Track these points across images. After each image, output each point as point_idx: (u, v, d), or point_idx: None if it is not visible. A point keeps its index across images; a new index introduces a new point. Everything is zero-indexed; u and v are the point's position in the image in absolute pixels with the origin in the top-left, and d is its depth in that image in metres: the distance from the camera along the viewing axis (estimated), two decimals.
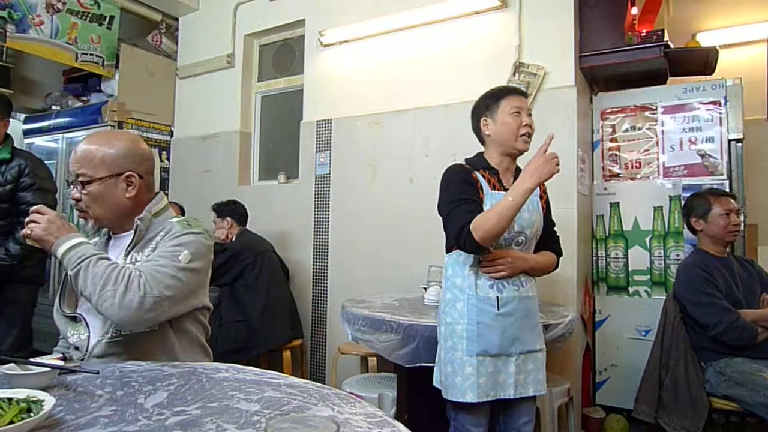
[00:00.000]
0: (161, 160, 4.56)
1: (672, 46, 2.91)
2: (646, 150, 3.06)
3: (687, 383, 2.31)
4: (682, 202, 2.88)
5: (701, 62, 3.10)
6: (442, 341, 1.76)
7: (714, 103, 2.90)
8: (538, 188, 1.83)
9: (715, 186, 2.77)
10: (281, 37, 4.21)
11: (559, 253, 1.88)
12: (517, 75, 2.97)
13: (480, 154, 1.87)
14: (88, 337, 1.38)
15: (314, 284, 3.68)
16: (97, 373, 1.14)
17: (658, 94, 3.05)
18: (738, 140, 2.85)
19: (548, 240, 1.86)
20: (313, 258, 3.70)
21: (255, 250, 3.30)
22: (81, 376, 1.14)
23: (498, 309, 1.69)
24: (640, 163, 3.08)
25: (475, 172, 1.78)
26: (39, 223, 1.35)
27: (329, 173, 3.66)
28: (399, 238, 3.33)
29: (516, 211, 1.61)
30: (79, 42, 4.00)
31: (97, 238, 1.55)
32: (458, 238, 1.65)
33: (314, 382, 1.14)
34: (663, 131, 3.02)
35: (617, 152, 3.14)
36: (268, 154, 4.30)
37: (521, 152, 1.81)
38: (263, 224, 3.76)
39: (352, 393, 2.47)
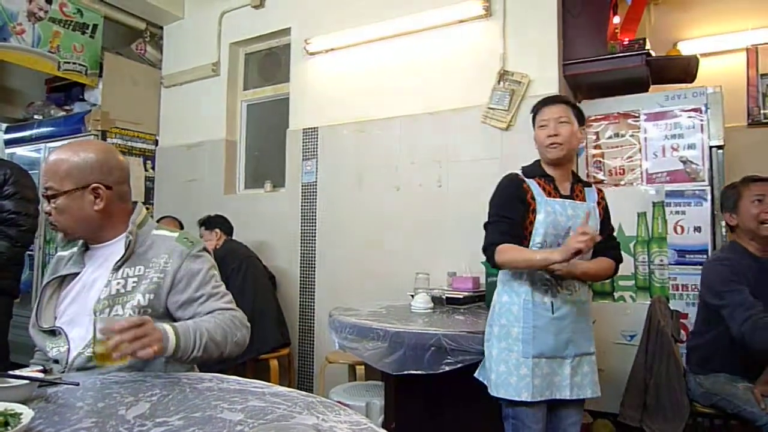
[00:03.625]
0: (146, 170, 4.52)
1: (654, 54, 2.96)
2: (630, 157, 3.09)
3: (669, 388, 2.32)
4: (665, 208, 2.92)
5: (682, 70, 3.15)
6: (495, 341, 1.82)
7: (695, 110, 2.94)
8: (596, 195, 1.92)
9: (697, 192, 2.80)
10: (267, 46, 4.21)
11: (617, 259, 1.89)
12: (501, 83, 3.00)
13: (537, 161, 1.94)
14: (68, 349, 1.36)
15: (301, 293, 3.66)
16: (78, 384, 1.12)
17: (641, 102, 3.09)
18: (719, 147, 2.89)
19: (605, 246, 1.86)
20: (300, 266, 3.68)
21: (239, 255, 3.29)
22: (62, 388, 1.12)
23: (553, 313, 1.77)
24: (623, 169, 3.11)
25: (529, 180, 1.85)
26: (156, 342, 1.18)
27: (316, 181, 3.66)
28: (386, 246, 3.32)
29: (536, 269, 1.74)
30: (62, 51, 3.97)
31: (72, 249, 1.51)
32: (485, 251, 1.81)
33: (299, 391, 1.13)
34: (646, 138, 3.05)
35: (601, 159, 3.17)
36: (254, 163, 4.29)
37: (551, 161, 1.86)
38: (250, 233, 3.74)
39: (339, 402, 2.46)
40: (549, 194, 1.83)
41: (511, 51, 3.02)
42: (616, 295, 3.09)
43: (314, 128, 3.69)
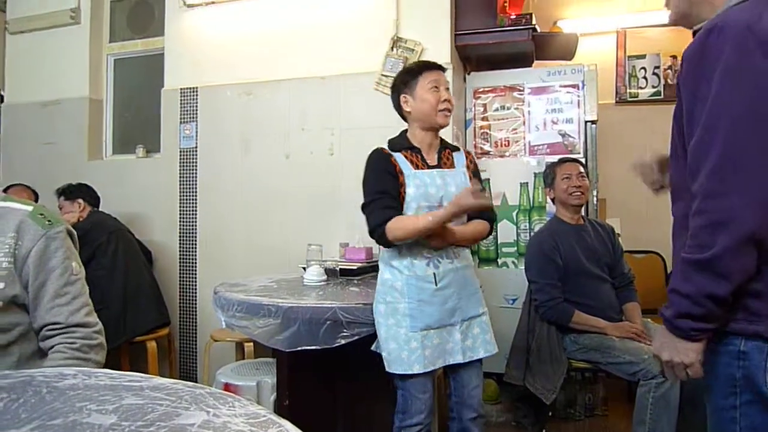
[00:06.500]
0: None
1: (539, 30, 3.06)
2: (514, 129, 3.21)
3: (549, 347, 2.48)
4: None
5: (563, 48, 3.30)
6: (383, 319, 1.80)
7: (573, 86, 3.11)
8: (465, 158, 1.92)
9: None
10: None
11: (490, 219, 1.89)
12: (395, 49, 2.94)
13: (403, 133, 1.89)
14: None
15: (181, 269, 3.40)
16: None
17: (525, 76, 3.20)
18: (593, 122, 3.10)
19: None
20: (180, 240, 3.40)
21: (107, 228, 2.96)
22: None
23: (436, 285, 1.76)
24: (508, 141, 3.23)
25: (396, 154, 1.80)
26: None
27: (196, 147, 3.37)
28: (275, 217, 3.17)
29: (430, 231, 1.70)
30: None
31: None
32: (372, 234, 1.76)
33: (184, 382, 0.99)
34: (529, 111, 3.18)
35: (488, 131, 3.26)
36: (123, 125, 3.85)
37: (441, 127, 1.84)
38: (120, 204, 3.38)
39: (227, 384, 2.31)
40: (416, 167, 1.80)
41: (404, 17, 2.96)
42: (500, 261, 3.23)
43: (193, 88, 3.37)
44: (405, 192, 1.76)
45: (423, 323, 1.75)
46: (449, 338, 1.79)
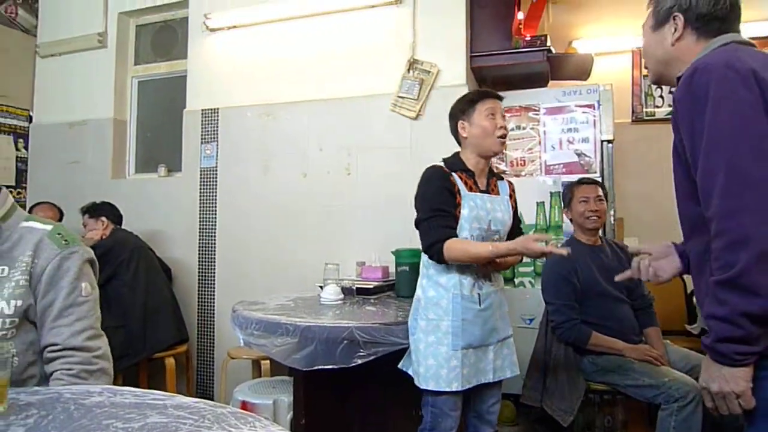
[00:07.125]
0: (17, 149, 4.02)
1: (554, 51, 3.09)
2: (530, 149, 3.22)
3: (566, 369, 2.46)
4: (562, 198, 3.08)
5: (578, 68, 3.32)
6: (422, 335, 1.82)
7: (589, 106, 3.12)
8: (508, 187, 1.98)
9: None
10: (162, 18, 3.88)
11: None
12: (411, 71, 2.99)
13: (456, 155, 1.93)
14: None
15: (200, 286, 3.45)
16: None
17: (540, 96, 3.21)
18: (609, 141, 3.10)
19: (516, 236, 1.90)
20: (199, 258, 3.46)
21: (129, 245, 3.02)
22: None
23: (480, 305, 1.81)
24: (524, 160, 3.23)
25: (453, 174, 1.84)
26: None
27: (216, 166, 3.45)
28: (293, 236, 3.21)
29: (487, 260, 1.76)
30: None
31: None
32: (429, 249, 1.78)
33: (206, 401, 1.02)
34: (545, 131, 3.19)
35: (504, 151, 3.27)
36: (146, 145, 3.96)
37: (496, 154, 1.91)
38: (141, 222, 3.45)
39: (244, 402, 2.33)
40: (470, 189, 1.85)
41: (420, 40, 3.01)
42: (516, 281, 3.22)
43: (215, 109, 3.46)
44: (459, 212, 1.80)
45: (465, 342, 1.78)
46: (484, 357, 1.84)
